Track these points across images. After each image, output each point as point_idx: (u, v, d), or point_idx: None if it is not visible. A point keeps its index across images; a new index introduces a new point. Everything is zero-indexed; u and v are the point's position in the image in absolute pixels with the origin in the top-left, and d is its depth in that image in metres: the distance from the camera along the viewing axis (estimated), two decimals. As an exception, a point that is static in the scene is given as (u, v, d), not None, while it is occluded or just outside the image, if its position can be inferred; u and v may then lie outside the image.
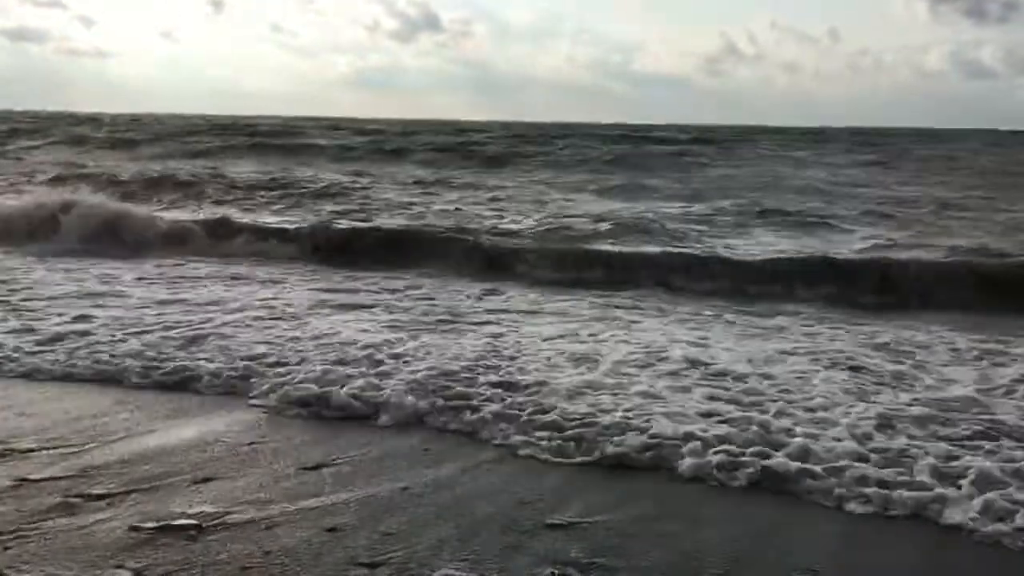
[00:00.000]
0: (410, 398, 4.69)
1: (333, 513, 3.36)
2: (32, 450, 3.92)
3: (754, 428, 4.25)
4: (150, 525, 3.18)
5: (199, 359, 5.45)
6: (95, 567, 2.89)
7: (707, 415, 4.50)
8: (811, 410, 4.60)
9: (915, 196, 16.51)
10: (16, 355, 5.51)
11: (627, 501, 3.55)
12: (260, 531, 3.18)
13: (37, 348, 5.68)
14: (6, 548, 3.00)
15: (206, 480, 3.64)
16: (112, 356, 5.50)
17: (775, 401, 4.73)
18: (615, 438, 4.13)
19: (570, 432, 4.23)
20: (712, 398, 4.82)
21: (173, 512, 3.30)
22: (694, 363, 5.51)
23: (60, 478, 3.60)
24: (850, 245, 11.07)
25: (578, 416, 4.40)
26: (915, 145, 35.70)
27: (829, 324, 7.05)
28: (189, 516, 3.26)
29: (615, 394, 4.82)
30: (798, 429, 4.26)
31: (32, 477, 3.60)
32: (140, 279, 8.63)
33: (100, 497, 3.42)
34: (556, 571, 2.96)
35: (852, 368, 5.51)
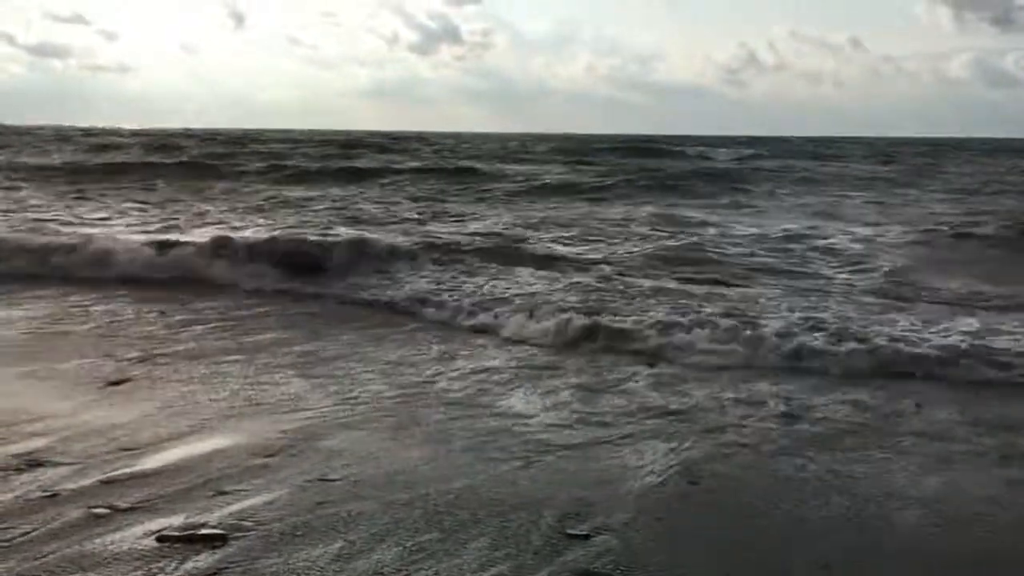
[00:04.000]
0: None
1: (355, 523, 3.38)
2: (59, 462, 3.95)
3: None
4: (177, 535, 3.21)
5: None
6: (123, 578, 2.92)
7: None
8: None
9: None
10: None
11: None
12: (284, 541, 3.20)
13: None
14: (35, 559, 3.03)
15: (230, 491, 3.66)
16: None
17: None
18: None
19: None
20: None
21: (199, 522, 3.33)
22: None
23: (87, 489, 3.64)
24: None
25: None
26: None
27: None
28: (215, 526, 3.29)
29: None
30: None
31: (59, 489, 3.64)
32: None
33: (127, 508, 3.46)
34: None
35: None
